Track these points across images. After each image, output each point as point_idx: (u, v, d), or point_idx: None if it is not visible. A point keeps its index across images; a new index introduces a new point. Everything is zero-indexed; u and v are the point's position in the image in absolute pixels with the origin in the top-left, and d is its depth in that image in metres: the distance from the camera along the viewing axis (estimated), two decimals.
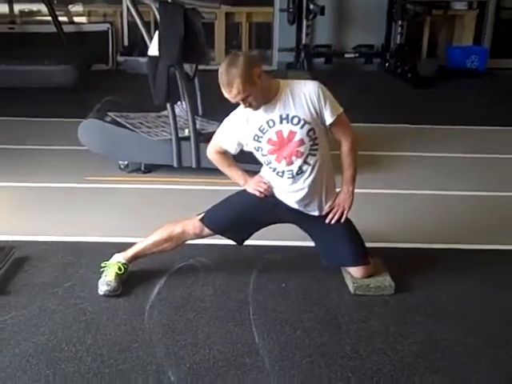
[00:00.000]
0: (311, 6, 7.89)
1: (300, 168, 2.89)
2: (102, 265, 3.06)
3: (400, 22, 8.32)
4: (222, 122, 3.03)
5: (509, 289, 3.13)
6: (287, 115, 2.82)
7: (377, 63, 8.70)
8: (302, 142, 2.84)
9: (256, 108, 2.81)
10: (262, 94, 2.77)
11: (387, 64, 8.61)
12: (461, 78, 8.08)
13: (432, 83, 7.80)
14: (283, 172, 2.91)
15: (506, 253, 3.50)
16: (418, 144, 5.38)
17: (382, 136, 5.58)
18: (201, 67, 4.75)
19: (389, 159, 5.01)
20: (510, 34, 9.16)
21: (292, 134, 2.83)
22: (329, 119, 2.84)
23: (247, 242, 3.17)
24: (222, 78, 2.69)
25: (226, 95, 2.73)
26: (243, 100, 2.74)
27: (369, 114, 6.04)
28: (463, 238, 3.65)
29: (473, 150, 5.27)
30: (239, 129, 2.92)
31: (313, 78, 6.61)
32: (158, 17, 4.35)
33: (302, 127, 2.81)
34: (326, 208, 3.02)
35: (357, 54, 8.52)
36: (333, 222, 3.01)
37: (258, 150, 2.93)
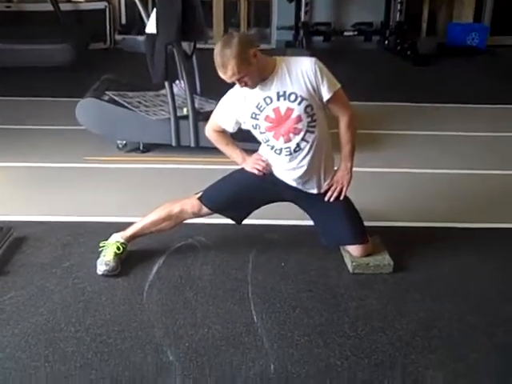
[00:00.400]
0: None
1: (298, 145, 2.87)
2: (101, 244, 3.05)
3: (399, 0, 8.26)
4: (220, 100, 3.01)
5: (508, 267, 3.13)
6: (284, 92, 2.80)
7: (376, 41, 8.66)
8: (299, 119, 2.82)
9: (252, 87, 2.79)
10: (257, 74, 2.75)
11: (386, 42, 8.58)
12: (461, 56, 8.04)
13: (432, 61, 7.76)
14: (281, 149, 2.90)
15: (505, 231, 3.50)
16: (418, 122, 5.37)
17: (382, 114, 5.57)
18: (199, 45, 4.73)
19: (388, 137, 4.99)
20: (510, 11, 9.09)
21: (289, 110, 2.81)
22: (326, 95, 2.82)
23: (246, 221, 3.16)
24: (217, 60, 2.67)
25: (222, 76, 2.71)
26: (239, 80, 2.73)
27: (368, 92, 6.02)
28: (462, 216, 3.65)
29: (473, 128, 5.25)
30: (237, 107, 2.91)
31: (311, 56, 6.61)
32: None
33: (299, 104, 2.80)
34: (325, 186, 3.02)
35: (356, 32, 8.48)
36: (332, 199, 3.01)
37: (255, 128, 2.91)
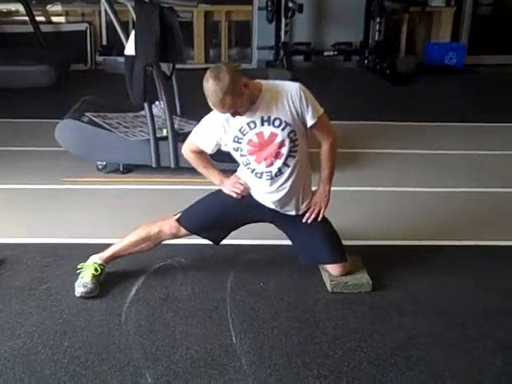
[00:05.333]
0: (290, 4, 7.91)
1: (279, 170, 2.89)
2: (79, 266, 3.05)
3: (378, 20, 8.37)
4: (199, 121, 2.99)
5: (485, 283, 3.16)
6: (269, 117, 2.80)
7: (356, 60, 8.74)
8: (282, 144, 2.83)
9: (244, 114, 2.78)
10: (249, 101, 2.75)
11: (366, 61, 8.66)
12: (439, 75, 8.13)
13: (410, 80, 7.84)
14: (262, 173, 2.91)
15: (482, 248, 3.53)
16: (397, 141, 5.41)
17: (361, 133, 5.60)
18: (179, 66, 4.76)
19: (367, 156, 5.03)
20: (487, 31, 9.22)
21: (273, 135, 2.82)
22: (310, 121, 2.83)
23: (225, 242, 3.17)
24: (212, 98, 2.65)
25: (217, 111, 2.73)
26: (234, 112, 2.73)
27: (348, 111, 6.06)
28: (441, 234, 3.67)
29: (451, 146, 5.31)
30: (218, 130, 2.89)
31: (292, 76, 6.66)
32: (134, 16, 4.34)
33: (283, 129, 2.80)
34: (303, 207, 3.03)
35: (336, 52, 8.56)
36: (309, 221, 3.02)
37: (237, 151, 2.91)
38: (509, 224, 3.85)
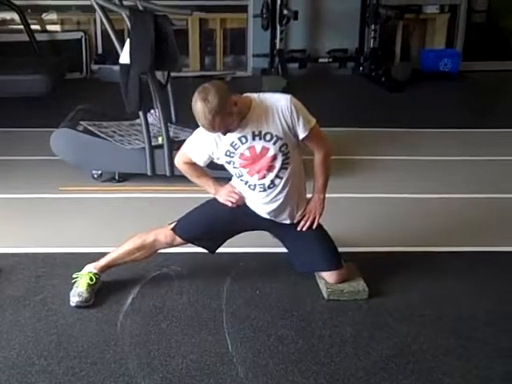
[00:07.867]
0: (285, 12, 7.91)
1: (272, 182, 2.89)
2: (74, 276, 3.03)
3: (373, 27, 8.36)
4: (195, 129, 2.97)
5: (482, 290, 3.15)
6: (260, 132, 2.79)
7: (351, 67, 8.73)
8: (274, 157, 2.83)
9: (235, 131, 2.78)
10: (239, 118, 2.74)
11: (361, 68, 8.65)
12: (434, 81, 8.13)
13: (406, 87, 7.84)
14: (255, 185, 2.91)
15: (479, 255, 3.53)
16: (392, 147, 5.41)
17: (356, 140, 5.60)
18: (173, 74, 4.75)
19: (362, 163, 5.02)
20: (481, 37, 9.24)
21: (265, 149, 2.82)
22: (301, 134, 2.83)
23: (220, 250, 3.16)
24: (202, 120, 2.64)
25: (208, 131, 2.73)
26: (224, 131, 2.73)
27: (342, 118, 6.06)
28: (437, 240, 3.67)
29: (446, 152, 5.30)
30: (210, 144, 2.88)
31: (287, 83, 6.65)
32: (128, 24, 4.34)
33: (274, 143, 2.80)
34: (298, 216, 3.03)
35: (331, 59, 8.54)
36: (304, 228, 3.02)
37: (229, 164, 2.91)
38: (507, 230, 3.84)
